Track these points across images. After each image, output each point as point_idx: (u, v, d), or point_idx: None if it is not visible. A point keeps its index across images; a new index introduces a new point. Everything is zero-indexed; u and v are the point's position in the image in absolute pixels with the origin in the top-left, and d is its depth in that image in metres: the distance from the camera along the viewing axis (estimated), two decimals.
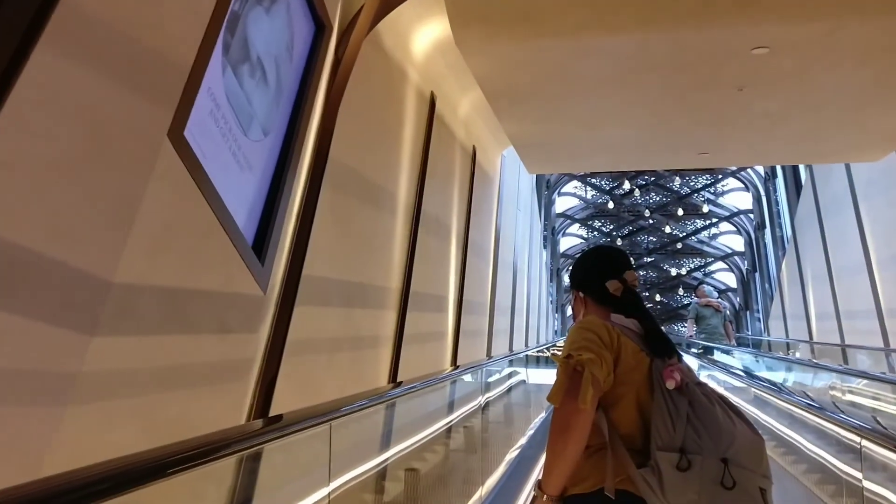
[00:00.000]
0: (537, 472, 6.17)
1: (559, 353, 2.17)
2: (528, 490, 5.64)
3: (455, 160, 8.52)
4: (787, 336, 18.11)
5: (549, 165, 11.44)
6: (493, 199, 11.12)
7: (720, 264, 27.93)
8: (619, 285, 2.33)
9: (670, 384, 2.07)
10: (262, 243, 3.68)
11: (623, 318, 2.27)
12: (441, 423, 5.48)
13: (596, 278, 2.37)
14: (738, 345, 14.04)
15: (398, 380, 6.00)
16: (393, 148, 6.18)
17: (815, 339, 15.92)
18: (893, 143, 9.86)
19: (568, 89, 7.42)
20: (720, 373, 9.01)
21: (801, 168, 18.45)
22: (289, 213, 4.03)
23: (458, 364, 8.10)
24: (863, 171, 12.17)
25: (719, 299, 12.33)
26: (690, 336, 12.03)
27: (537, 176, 19.97)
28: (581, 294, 2.44)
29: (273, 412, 3.82)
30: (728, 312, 12.28)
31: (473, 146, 9.45)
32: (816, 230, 15.43)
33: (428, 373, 5.40)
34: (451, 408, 5.74)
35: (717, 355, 11.07)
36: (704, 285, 12.66)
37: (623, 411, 2.12)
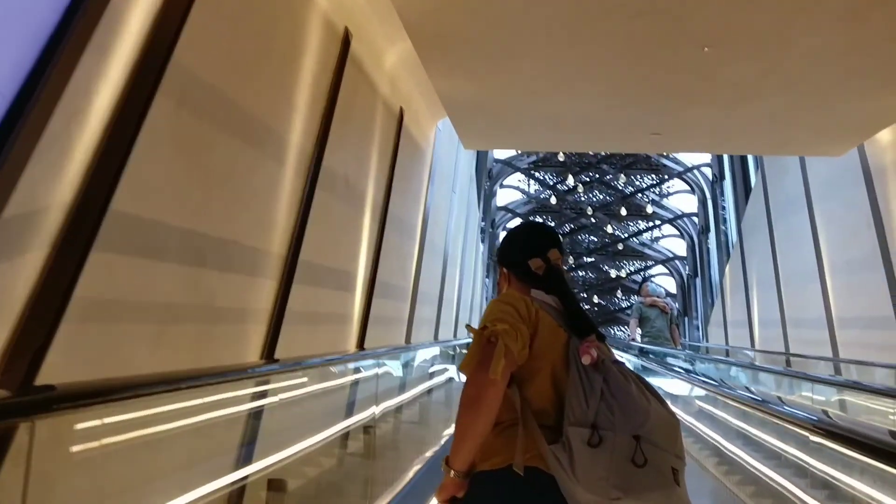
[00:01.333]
0: None
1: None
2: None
3: (375, 118, 7.34)
4: (727, 343, 17.48)
5: (487, 139, 10.27)
6: (423, 174, 9.96)
7: (660, 268, 27.27)
8: (542, 264, 2.30)
9: (586, 360, 2.03)
10: None
11: (544, 294, 2.24)
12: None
13: (519, 255, 2.35)
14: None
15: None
16: (285, 80, 4.97)
17: (757, 347, 15.28)
18: (859, 135, 9.03)
19: (511, 41, 6.32)
20: (664, 378, 8.03)
21: (752, 170, 17.80)
22: (81, 110, 2.80)
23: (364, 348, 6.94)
24: (820, 171, 11.41)
25: (666, 299, 11.25)
26: (633, 339, 10.94)
27: (478, 165, 18.89)
28: (505, 270, 2.41)
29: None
30: (675, 314, 11.11)
31: (401, 108, 8.28)
32: (765, 234, 14.74)
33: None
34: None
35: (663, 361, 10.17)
36: (650, 283, 11.52)
37: (537, 386, 2.08)
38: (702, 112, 8.18)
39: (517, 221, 27.71)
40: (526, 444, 2.00)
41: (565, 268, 2.48)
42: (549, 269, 2.30)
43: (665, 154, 22.35)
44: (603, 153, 23.99)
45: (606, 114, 8.44)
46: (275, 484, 3.92)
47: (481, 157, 19.58)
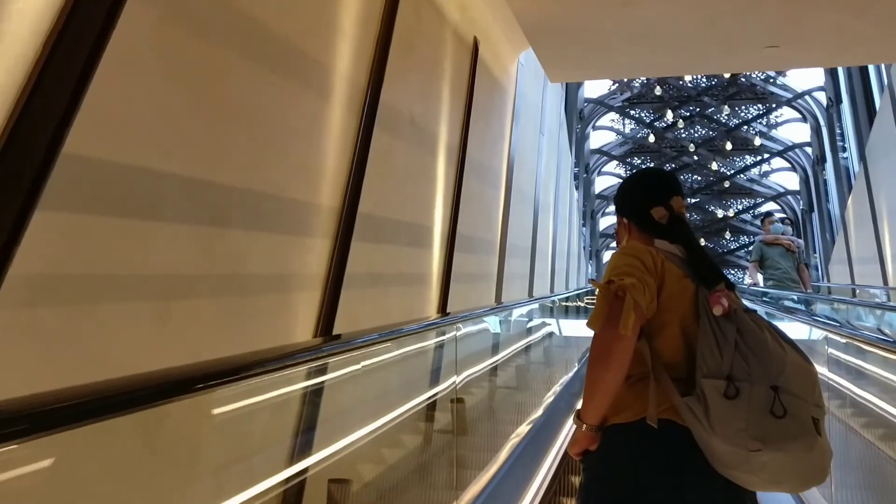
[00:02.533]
0: None
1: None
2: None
3: (444, 49, 6.42)
4: (853, 282, 15.91)
5: (575, 69, 9.17)
6: (505, 114, 9.00)
7: (772, 205, 25.42)
8: (665, 213, 2.23)
9: (717, 310, 1.97)
10: None
11: (668, 243, 2.17)
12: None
13: (640, 204, 2.28)
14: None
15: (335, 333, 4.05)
16: None
17: (891, 284, 13.74)
18: None
19: None
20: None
21: (876, 90, 16.00)
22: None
23: (447, 312, 6.13)
24: None
25: (792, 237, 9.80)
26: (753, 284, 9.46)
27: (567, 105, 17.70)
28: (625, 220, 2.34)
29: None
30: (803, 253, 9.47)
31: (475, 38, 7.32)
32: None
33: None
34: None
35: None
36: (774, 217, 10.02)
37: (667, 339, 2.03)
38: (825, 16, 6.91)
39: (613, 165, 26.34)
40: (658, 397, 1.98)
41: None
42: (672, 218, 2.24)
43: (774, 79, 20.56)
44: (704, 83, 22.27)
45: (712, 26, 7.26)
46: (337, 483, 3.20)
47: (571, 97, 18.37)
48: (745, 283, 10.11)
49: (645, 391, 2.00)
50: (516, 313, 7.81)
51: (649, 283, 2.00)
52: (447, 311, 6.21)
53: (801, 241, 9.97)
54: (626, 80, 21.31)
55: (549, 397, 7.04)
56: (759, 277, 9.22)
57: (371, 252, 4.75)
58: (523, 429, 5.69)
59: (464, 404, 4.70)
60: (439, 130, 6.28)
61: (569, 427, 5.86)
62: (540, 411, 6.38)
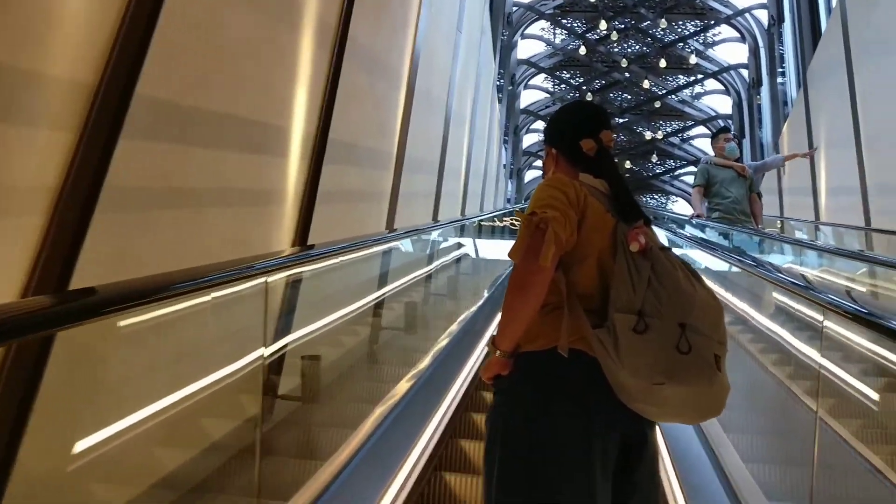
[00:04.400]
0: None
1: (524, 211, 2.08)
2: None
3: None
4: (782, 214, 15.10)
5: None
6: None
7: (701, 129, 24.45)
8: (594, 145, 2.23)
9: (634, 246, 2.02)
10: None
11: (592, 178, 2.19)
12: None
13: (570, 135, 2.26)
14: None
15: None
16: None
17: (823, 219, 12.92)
18: None
19: None
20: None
21: (822, 10, 14.88)
22: None
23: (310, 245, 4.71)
24: None
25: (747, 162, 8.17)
26: (698, 215, 7.63)
27: (494, 5, 16.05)
28: (553, 150, 2.32)
29: None
30: (756, 181, 7.76)
31: None
32: (840, 84, 12.07)
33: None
34: None
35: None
36: (730, 135, 7.87)
37: (584, 271, 2.08)
38: None
39: (542, 78, 24.84)
40: (571, 327, 2.01)
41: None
42: (599, 151, 2.23)
43: None
44: None
45: None
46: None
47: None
48: (687, 215, 8.36)
49: (558, 321, 2.02)
50: (403, 247, 6.42)
51: (570, 217, 2.02)
52: (307, 241, 4.78)
53: (755, 165, 8.31)
54: None
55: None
56: (704, 208, 7.48)
57: (183, 157, 3.25)
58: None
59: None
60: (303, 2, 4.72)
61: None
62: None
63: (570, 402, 1.98)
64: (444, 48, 9.42)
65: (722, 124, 22.95)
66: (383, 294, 5.85)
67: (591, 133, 2.23)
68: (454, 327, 6.32)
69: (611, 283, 2.01)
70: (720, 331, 1.99)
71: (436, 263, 7.94)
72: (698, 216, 7.50)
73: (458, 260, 9.53)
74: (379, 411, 4.12)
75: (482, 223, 12.56)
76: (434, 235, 7.75)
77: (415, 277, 6.87)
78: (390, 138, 6.93)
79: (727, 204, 7.12)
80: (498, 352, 2.05)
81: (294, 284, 4.27)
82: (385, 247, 5.80)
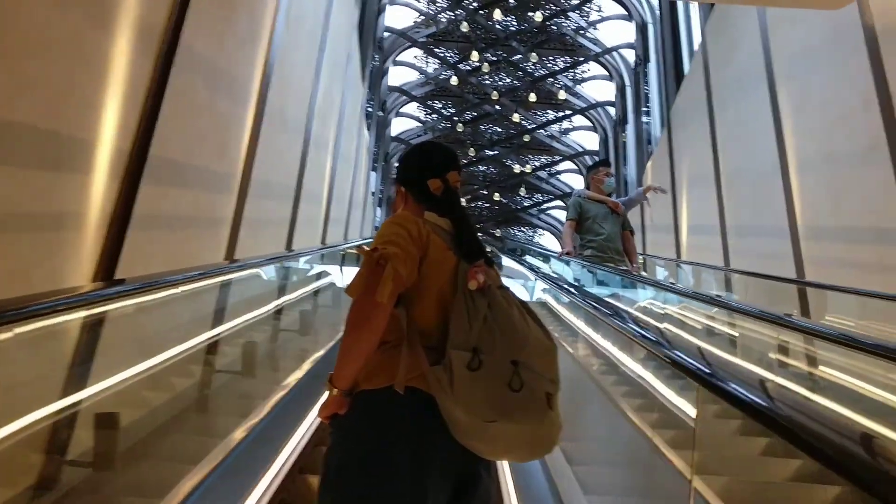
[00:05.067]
0: None
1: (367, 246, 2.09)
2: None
3: None
4: (644, 251, 15.26)
5: None
6: (261, 9, 6.80)
7: (569, 164, 24.78)
8: (441, 184, 2.29)
9: (472, 285, 2.06)
10: None
11: (437, 216, 2.24)
12: None
13: (417, 174, 2.33)
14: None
15: None
16: None
17: (683, 257, 13.07)
18: None
19: None
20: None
21: (686, 54, 15.26)
22: None
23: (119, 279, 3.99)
24: (790, 39, 8.89)
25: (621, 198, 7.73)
26: (567, 252, 7.12)
27: (365, 28, 15.58)
28: (402, 189, 2.38)
29: None
30: (628, 219, 7.20)
31: None
32: (701, 124, 12.32)
33: None
34: None
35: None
36: (610, 169, 7.57)
37: (424, 308, 2.10)
38: None
39: (414, 106, 24.57)
40: (410, 364, 2.02)
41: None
42: (446, 191, 2.28)
43: (585, 31, 19.49)
44: (513, 26, 20.81)
45: None
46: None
47: (369, 19, 16.23)
48: (561, 252, 7.71)
49: (396, 358, 2.03)
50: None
51: (411, 253, 2.05)
52: (114, 275, 4.06)
53: (623, 200, 7.71)
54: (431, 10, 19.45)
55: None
56: (573, 245, 7.02)
57: None
58: None
59: None
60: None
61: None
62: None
63: (405, 440, 1.97)
64: (304, 66, 8.84)
65: (590, 160, 23.33)
66: (215, 335, 5.17)
67: (438, 173, 2.28)
68: (306, 366, 5.72)
69: (450, 321, 2.03)
70: (552, 369, 2.04)
71: (291, 295, 7.29)
72: (567, 253, 7.14)
73: (317, 292, 8.90)
74: (197, 478, 3.50)
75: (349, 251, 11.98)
76: (277, 269, 7.10)
77: (260, 314, 6.20)
78: (233, 159, 6.26)
79: (600, 241, 6.75)
80: (335, 390, 2.05)
81: (94, 326, 3.61)
82: (218, 280, 5.13)
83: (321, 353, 6.21)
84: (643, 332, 3.12)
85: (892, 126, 6.60)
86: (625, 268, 6.82)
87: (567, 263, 7.48)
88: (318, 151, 10.04)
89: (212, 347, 5.05)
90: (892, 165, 6.39)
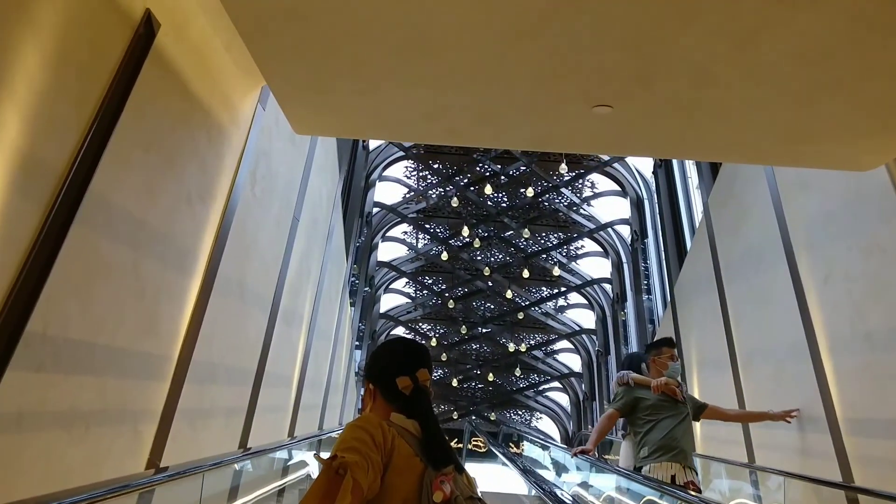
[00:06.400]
0: None
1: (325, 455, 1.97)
2: None
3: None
4: None
5: (330, 117, 6.20)
6: (216, 165, 5.95)
7: (564, 343, 23.69)
8: (410, 383, 2.22)
9: (437, 496, 1.96)
10: None
11: (404, 418, 2.15)
12: None
13: (387, 371, 2.25)
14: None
15: None
16: None
17: (695, 451, 11.74)
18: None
19: None
20: None
21: (686, 227, 14.64)
22: None
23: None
24: (810, 208, 8.12)
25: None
26: (583, 451, 5.60)
27: (351, 202, 15.00)
28: (371, 386, 2.29)
29: None
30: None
31: (147, 11, 4.34)
32: (711, 299, 11.42)
33: None
34: None
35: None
36: (674, 350, 5.57)
37: None
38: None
39: (403, 282, 23.78)
40: None
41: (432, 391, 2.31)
42: (415, 390, 2.20)
43: (578, 207, 18.99)
44: (505, 202, 20.41)
45: (509, 76, 4.68)
46: None
47: (355, 194, 15.68)
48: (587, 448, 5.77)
49: None
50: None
51: (374, 461, 1.94)
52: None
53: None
54: (419, 187, 19.03)
55: None
56: (626, 446, 5.43)
57: None
58: None
59: None
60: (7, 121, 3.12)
61: None
62: None
63: None
64: (273, 233, 7.94)
65: (587, 340, 22.29)
66: None
67: (408, 371, 2.22)
68: None
69: None
70: None
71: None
72: (584, 451, 5.66)
73: (281, 490, 7.55)
74: None
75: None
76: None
77: None
78: (166, 337, 5.16)
79: (669, 444, 5.05)
80: None
81: None
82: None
83: None
84: None
85: None
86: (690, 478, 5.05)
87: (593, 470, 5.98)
88: (288, 328, 8.97)
89: None
90: None
